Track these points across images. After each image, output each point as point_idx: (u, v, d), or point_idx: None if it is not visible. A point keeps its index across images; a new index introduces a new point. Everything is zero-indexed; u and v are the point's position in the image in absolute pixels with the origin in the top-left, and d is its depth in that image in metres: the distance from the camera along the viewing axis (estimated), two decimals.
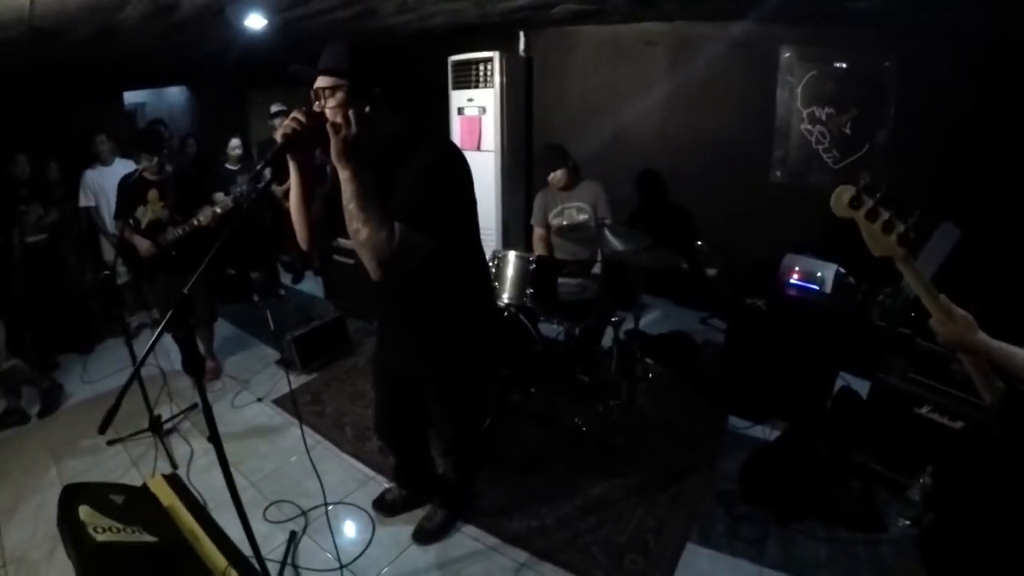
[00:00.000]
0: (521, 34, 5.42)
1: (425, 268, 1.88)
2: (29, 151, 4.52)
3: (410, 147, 1.87)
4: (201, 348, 4.43)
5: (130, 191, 3.81)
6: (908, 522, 2.68)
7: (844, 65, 4.17)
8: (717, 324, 4.82)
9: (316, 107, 1.79)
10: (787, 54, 4.37)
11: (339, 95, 1.77)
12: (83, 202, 4.68)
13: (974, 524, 1.78)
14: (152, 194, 3.77)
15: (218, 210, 3.69)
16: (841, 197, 1.39)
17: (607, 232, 3.29)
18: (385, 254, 1.72)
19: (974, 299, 2.97)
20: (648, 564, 2.53)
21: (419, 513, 2.80)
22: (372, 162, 1.84)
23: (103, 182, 4.68)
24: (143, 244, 3.76)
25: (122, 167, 4.75)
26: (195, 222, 3.68)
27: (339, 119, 1.69)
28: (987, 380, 1.44)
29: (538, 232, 4.10)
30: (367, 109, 1.77)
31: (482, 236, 2.23)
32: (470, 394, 2.40)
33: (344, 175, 1.72)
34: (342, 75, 1.76)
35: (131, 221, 3.79)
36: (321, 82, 1.79)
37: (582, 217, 3.90)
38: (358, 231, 1.71)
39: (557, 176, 3.87)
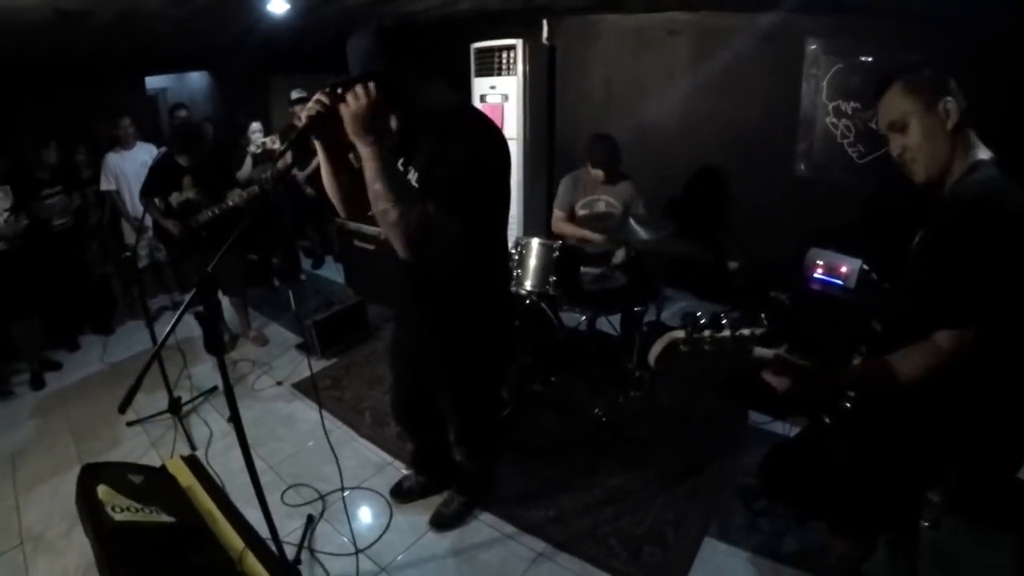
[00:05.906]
0: (544, 22, 5.35)
1: (451, 250, 1.86)
2: (55, 136, 4.55)
3: (456, 124, 1.82)
4: (236, 320, 4.64)
5: (164, 174, 3.91)
6: (927, 524, 2.63)
7: (870, 59, 4.07)
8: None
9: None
10: (813, 47, 4.27)
11: (379, 92, 1.72)
12: (104, 186, 4.71)
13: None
14: (187, 180, 3.90)
15: (244, 194, 3.85)
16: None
17: (632, 221, 3.21)
18: (415, 234, 1.66)
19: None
20: (666, 557, 2.51)
21: (436, 499, 2.79)
22: (416, 136, 1.82)
23: (124, 166, 4.71)
24: (170, 226, 3.89)
25: (143, 151, 4.80)
26: (226, 204, 3.85)
27: (348, 97, 1.59)
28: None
29: (559, 215, 4.04)
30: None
31: None
32: (473, 383, 2.33)
33: (364, 152, 1.63)
34: (379, 79, 1.66)
35: (159, 202, 3.89)
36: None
37: (611, 211, 3.85)
38: (386, 212, 1.63)
39: (600, 172, 3.77)
